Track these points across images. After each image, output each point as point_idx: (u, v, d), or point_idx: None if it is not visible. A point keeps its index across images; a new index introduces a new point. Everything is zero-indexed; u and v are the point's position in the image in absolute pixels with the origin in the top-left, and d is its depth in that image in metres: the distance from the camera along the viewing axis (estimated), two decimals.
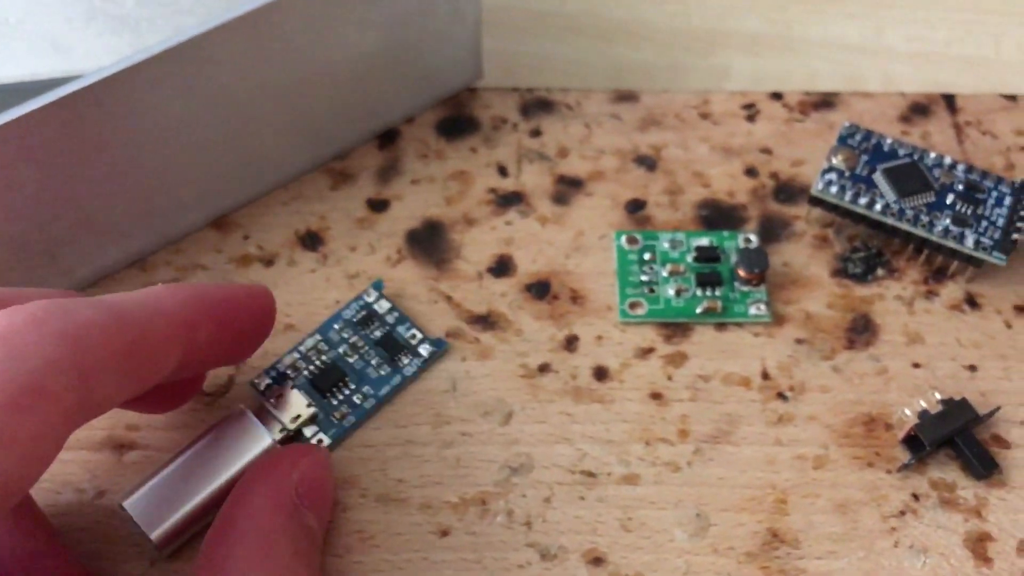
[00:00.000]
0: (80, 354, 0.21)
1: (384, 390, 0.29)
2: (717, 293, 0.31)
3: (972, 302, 0.31)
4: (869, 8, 0.40)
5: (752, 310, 0.30)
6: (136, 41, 0.29)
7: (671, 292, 0.31)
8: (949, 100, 0.35)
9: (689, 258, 0.32)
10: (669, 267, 0.31)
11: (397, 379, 0.29)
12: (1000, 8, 0.40)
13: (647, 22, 0.40)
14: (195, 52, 0.28)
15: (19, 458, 0.19)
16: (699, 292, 0.31)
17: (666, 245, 0.32)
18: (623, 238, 0.32)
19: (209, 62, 0.28)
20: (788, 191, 0.33)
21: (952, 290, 0.31)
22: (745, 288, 0.31)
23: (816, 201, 0.31)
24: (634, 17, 0.40)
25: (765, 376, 0.30)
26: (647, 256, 0.32)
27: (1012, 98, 0.35)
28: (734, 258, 0.31)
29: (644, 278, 0.31)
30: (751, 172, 0.34)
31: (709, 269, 0.31)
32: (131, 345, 0.22)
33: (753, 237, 0.32)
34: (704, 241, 0.32)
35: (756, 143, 0.35)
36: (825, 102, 0.35)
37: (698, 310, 0.30)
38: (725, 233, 0.32)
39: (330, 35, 0.30)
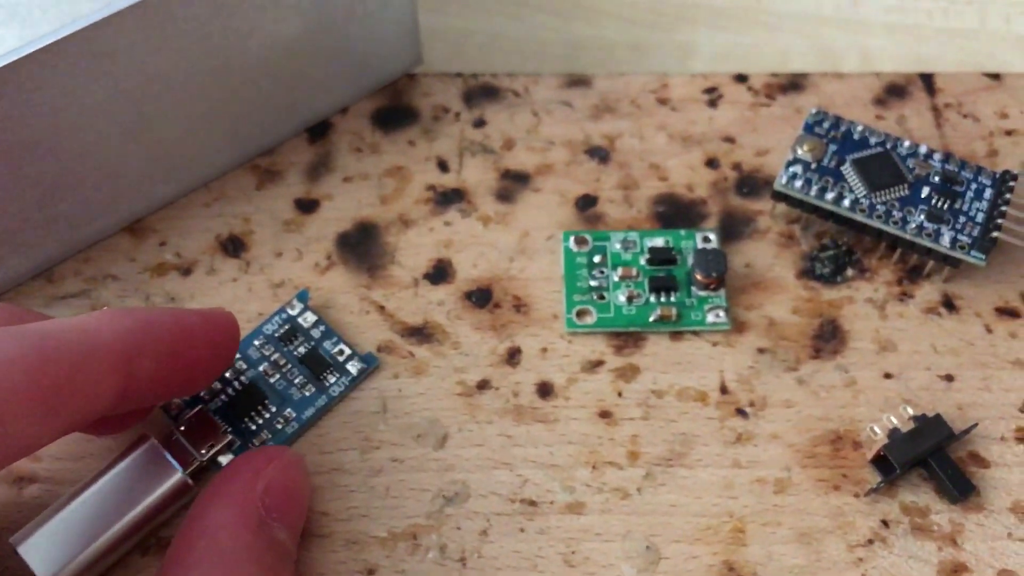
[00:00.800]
0: None
1: (308, 413, 0.27)
2: (672, 299, 0.28)
3: (949, 304, 0.29)
4: None
5: (710, 317, 0.28)
6: (26, 32, 0.27)
7: (622, 298, 0.28)
8: (927, 80, 0.33)
9: (642, 260, 0.29)
10: (620, 271, 0.29)
11: (322, 400, 0.27)
12: None
13: None
14: (92, 42, 0.25)
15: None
16: (652, 298, 0.28)
17: (617, 246, 0.29)
18: (571, 239, 0.29)
19: (108, 52, 0.26)
20: (751, 184, 0.31)
21: (928, 291, 0.29)
22: (703, 293, 0.28)
23: (780, 196, 0.29)
24: None
25: (724, 390, 0.27)
26: (597, 259, 0.29)
27: (996, 76, 0.33)
28: (691, 260, 0.29)
29: (593, 283, 0.29)
30: (712, 163, 0.31)
31: (664, 273, 0.29)
32: (57, 383, 0.20)
33: (712, 236, 0.29)
34: (659, 241, 0.29)
35: (718, 131, 0.32)
36: (793, 84, 0.33)
37: (651, 318, 0.28)
38: (682, 232, 0.30)
39: (242, 21, 0.27)
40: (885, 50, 0.35)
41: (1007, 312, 0.28)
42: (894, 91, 0.32)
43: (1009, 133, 0.31)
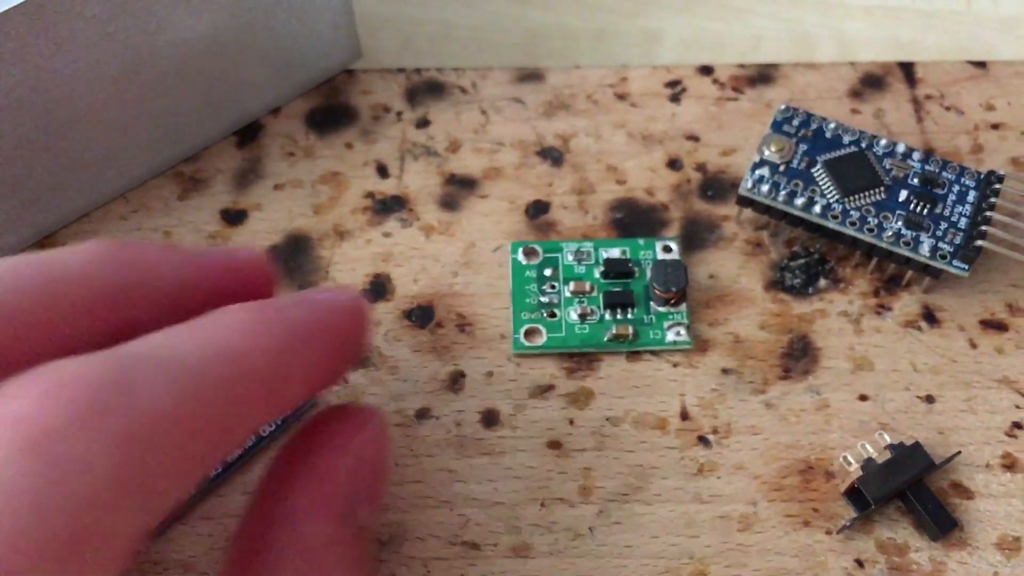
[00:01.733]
0: (144, 459, 0.14)
1: (233, 455, 0.24)
2: (629, 316, 0.26)
3: (931, 317, 0.26)
4: None
5: (670, 336, 0.26)
6: None
7: (574, 316, 0.26)
8: (907, 69, 0.30)
9: (597, 273, 0.27)
10: (572, 285, 0.26)
11: (250, 441, 0.25)
12: None
13: None
14: None
15: None
16: (607, 315, 0.26)
17: (570, 258, 0.27)
18: (520, 251, 0.27)
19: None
20: (717, 186, 0.28)
21: (907, 303, 0.26)
22: (662, 309, 0.26)
23: (745, 201, 0.26)
24: None
25: (684, 416, 0.25)
26: (548, 272, 0.27)
27: (981, 65, 0.30)
28: (649, 273, 0.27)
29: (544, 299, 0.26)
30: (674, 164, 0.29)
31: (620, 287, 0.26)
32: (206, 425, 0.16)
33: (673, 246, 0.27)
34: (615, 252, 0.27)
35: (681, 128, 0.29)
36: (763, 76, 0.30)
37: (605, 337, 0.26)
38: (641, 241, 0.27)
39: (148, 18, 0.25)
40: (863, 34, 0.33)
41: (993, 325, 0.26)
42: (871, 82, 0.30)
43: (996, 127, 0.29)
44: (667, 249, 0.27)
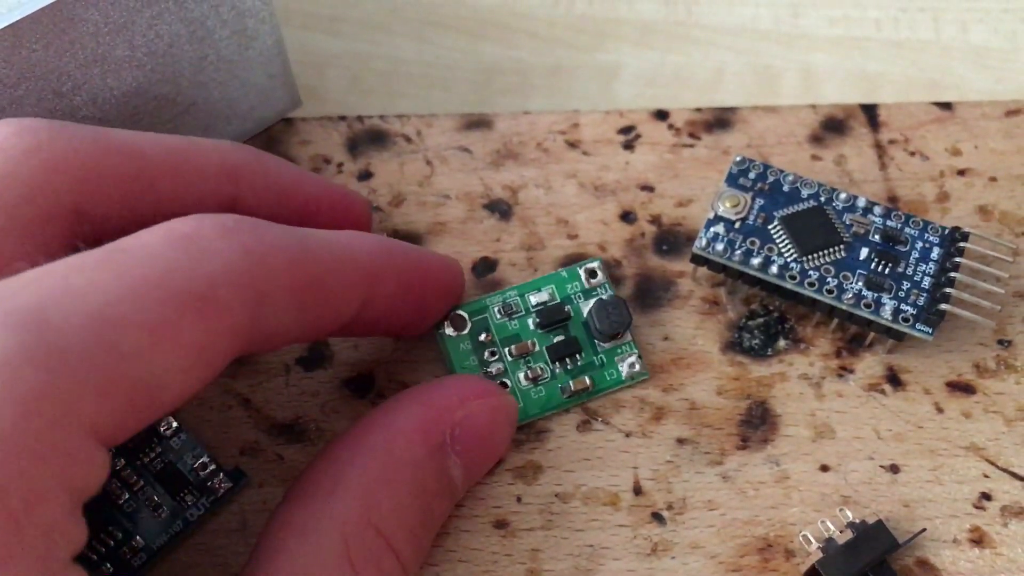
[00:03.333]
0: (261, 274, 0.19)
1: (160, 541, 0.23)
2: (579, 363, 0.25)
3: (895, 379, 0.25)
4: None
5: (625, 370, 0.25)
6: None
7: (526, 381, 0.25)
8: (870, 112, 0.29)
9: (531, 324, 0.25)
10: (514, 348, 0.25)
11: (178, 526, 0.23)
12: None
13: (523, 12, 0.33)
14: None
15: (178, 362, 0.17)
16: (558, 369, 0.25)
17: (498, 314, 0.25)
18: (446, 326, 0.25)
19: None
20: (672, 240, 0.27)
21: (870, 364, 0.25)
22: (607, 344, 0.25)
23: (700, 260, 0.25)
24: (507, 5, 0.33)
25: (638, 491, 0.24)
26: (483, 337, 0.25)
27: (947, 106, 0.29)
28: (585, 308, 0.25)
29: (491, 370, 0.25)
30: (627, 216, 0.28)
31: (561, 335, 0.25)
32: (313, 281, 0.20)
33: (598, 270, 0.26)
34: (543, 296, 0.25)
35: (635, 178, 0.28)
36: (720, 121, 0.29)
37: (565, 395, 0.24)
38: (564, 273, 0.26)
39: (60, 80, 0.23)
40: (828, 67, 0.32)
41: (960, 387, 0.25)
42: (833, 126, 0.29)
43: (962, 172, 0.28)
44: (591, 274, 0.26)
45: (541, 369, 0.25)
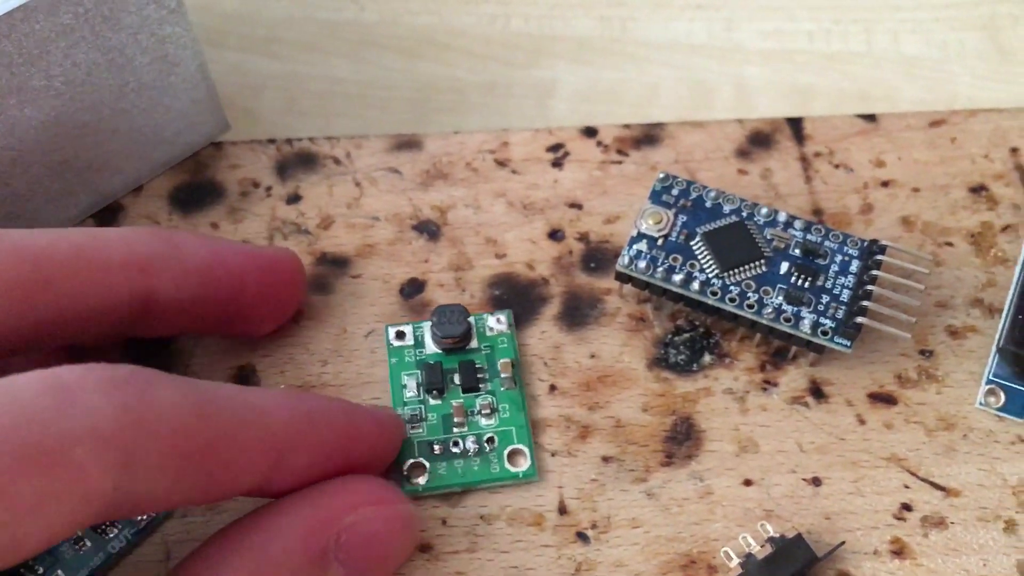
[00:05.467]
0: (136, 437, 0.17)
1: (82, 574, 0.23)
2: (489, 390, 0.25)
3: (818, 392, 0.25)
4: None
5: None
6: None
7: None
8: (795, 125, 0.29)
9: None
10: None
11: (99, 559, 0.23)
12: None
13: (459, 30, 0.33)
14: None
15: (12, 521, 0.16)
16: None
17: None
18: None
19: None
20: (599, 258, 0.27)
21: (794, 377, 0.25)
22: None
23: (623, 277, 0.25)
24: (443, 23, 0.34)
25: (563, 510, 0.24)
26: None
27: (871, 118, 0.29)
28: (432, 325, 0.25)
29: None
30: (556, 235, 0.28)
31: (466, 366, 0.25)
32: (203, 449, 0.19)
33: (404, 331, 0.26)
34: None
35: (563, 195, 0.28)
36: (648, 137, 0.29)
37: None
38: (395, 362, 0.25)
39: None
40: (761, 79, 0.32)
41: (882, 398, 0.25)
42: (759, 140, 0.29)
43: (886, 184, 0.28)
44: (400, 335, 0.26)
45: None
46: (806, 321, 0.24)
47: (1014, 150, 0.28)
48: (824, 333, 0.24)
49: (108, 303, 0.21)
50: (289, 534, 0.20)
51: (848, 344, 0.24)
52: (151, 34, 0.25)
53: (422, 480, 0.24)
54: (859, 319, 0.24)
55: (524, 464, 0.24)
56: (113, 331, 0.22)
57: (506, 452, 0.24)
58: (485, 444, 0.24)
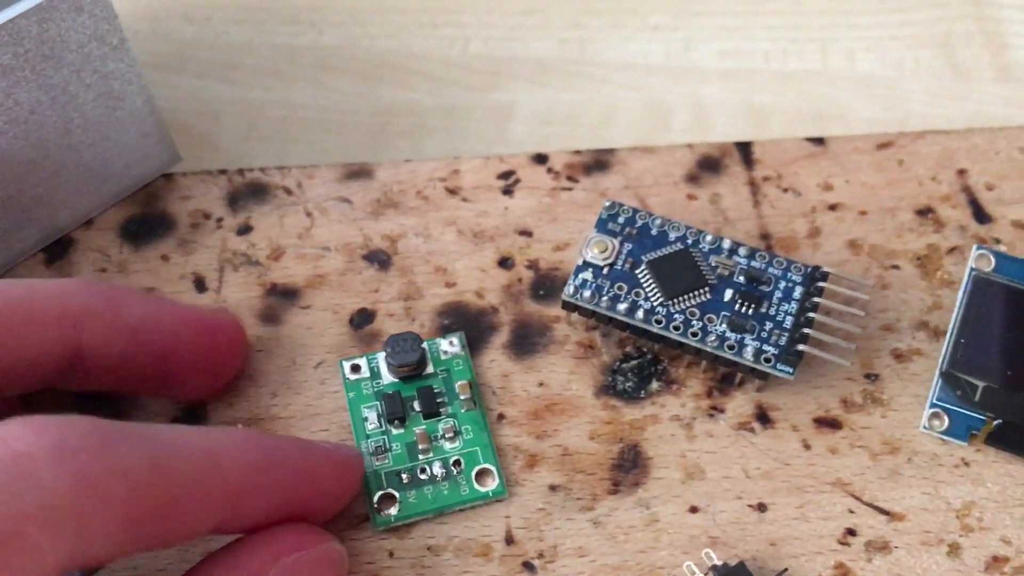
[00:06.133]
0: (91, 505, 0.17)
1: None
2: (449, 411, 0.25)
3: (764, 417, 0.25)
4: (676, 18, 0.34)
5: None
6: None
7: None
8: (744, 150, 0.29)
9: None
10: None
11: None
12: (828, 7, 0.34)
13: (418, 53, 0.33)
14: None
15: None
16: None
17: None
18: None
19: None
20: (548, 285, 0.27)
21: (740, 403, 0.26)
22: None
23: (570, 306, 0.26)
24: (402, 47, 0.34)
25: (509, 540, 0.24)
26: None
27: (819, 141, 0.30)
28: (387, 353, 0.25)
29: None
30: (505, 262, 0.28)
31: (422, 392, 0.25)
32: (158, 505, 0.18)
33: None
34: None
35: (513, 223, 0.28)
36: (598, 163, 0.29)
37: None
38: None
39: None
40: (719, 99, 0.32)
41: (827, 423, 0.25)
42: (708, 164, 0.29)
43: (833, 207, 0.28)
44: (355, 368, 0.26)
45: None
46: (749, 349, 0.24)
47: (961, 171, 0.29)
48: (767, 360, 0.24)
49: (38, 356, 0.21)
50: None
51: (791, 371, 0.24)
52: (94, 71, 0.25)
53: (393, 511, 0.24)
54: (800, 347, 0.24)
55: (492, 483, 0.24)
56: (41, 383, 0.22)
57: (473, 473, 0.24)
58: (452, 467, 0.24)
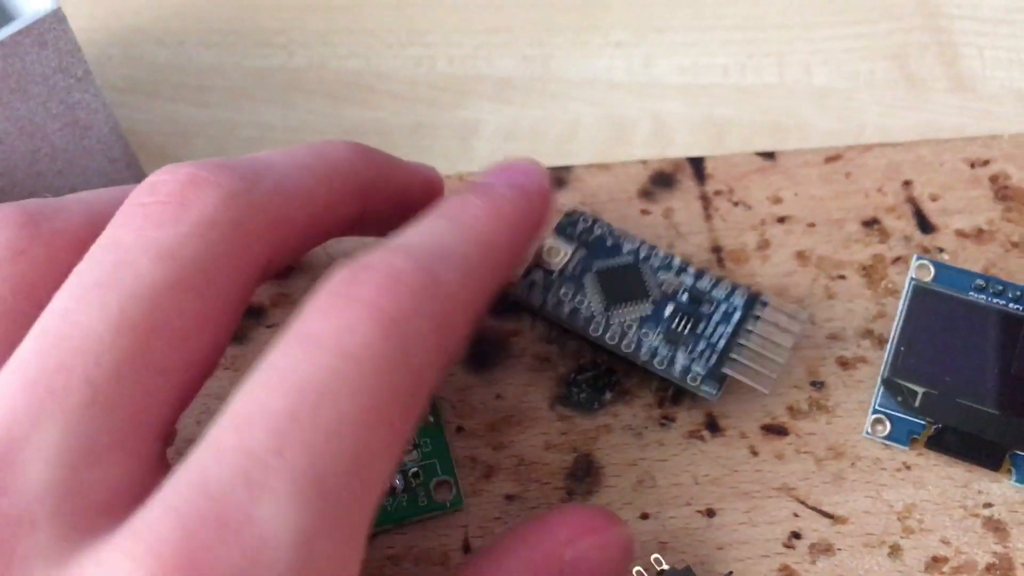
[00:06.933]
0: (448, 335, 0.20)
1: None
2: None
3: (714, 426, 0.26)
4: (638, 34, 0.35)
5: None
6: None
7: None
8: (697, 165, 0.30)
9: None
10: None
11: None
12: (785, 22, 0.35)
13: (385, 73, 0.34)
14: None
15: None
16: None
17: None
18: None
19: None
20: (505, 299, 0.28)
21: (692, 412, 0.26)
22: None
23: (516, 304, 0.26)
24: (370, 67, 0.35)
25: (467, 549, 0.25)
26: None
27: (769, 155, 0.30)
28: None
29: None
30: None
31: None
32: (475, 300, 0.21)
33: None
34: None
35: None
36: (556, 180, 0.30)
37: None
38: None
39: None
40: (678, 114, 0.33)
41: (774, 430, 0.26)
42: (661, 180, 0.30)
43: (782, 220, 0.29)
44: None
45: None
46: (678, 365, 0.25)
47: (907, 183, 0.30)
48: (693, 380, 0.25)
49: (330, 232, 0.24)
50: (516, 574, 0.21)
51: (714, 392, 0.25)
52: (60, 102, 0.26)
53: None
54: (724, 369, 0.25)
55: (450, 495, 0.25)
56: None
57: (432, 484, 0.25)
58: (411, 480, 0.25)
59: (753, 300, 0.26)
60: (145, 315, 0.18)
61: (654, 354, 0.25)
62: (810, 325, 0.27)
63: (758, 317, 0.26)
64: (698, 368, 0.25)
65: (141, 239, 0.19)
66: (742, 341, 0.25)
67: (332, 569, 0.17)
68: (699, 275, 0.26)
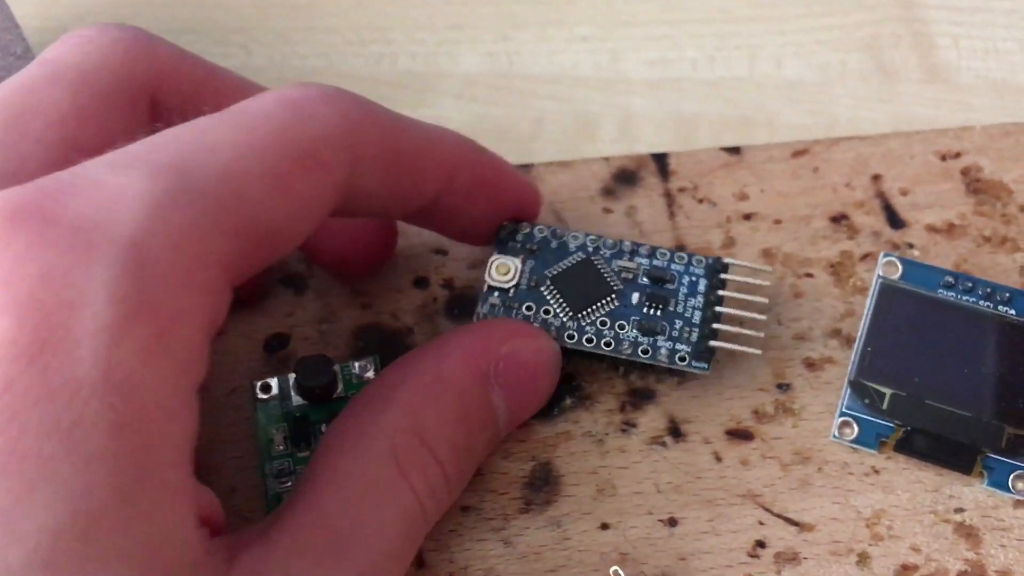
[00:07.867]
0: (357, 139, 0.21)
1: None
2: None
3: (676, 431, 0.25)
4: (604, 28, 0.34)
5: None
6: None
7: None
8: (660, 161, 0.29)
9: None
10: None
11: None
12: (756, 14, 0.34)
13: (347, 71, 0.34)
14: None
15: (291, 211, 0.20)
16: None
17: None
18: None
19: None
20: (464, 304, 0.27)
21: (653, 417, 0.26)
22: None
23: None
24: (331, 66, 0.34)
25: (420, 563, 0.24)
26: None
27: (735, 151, 0.30)
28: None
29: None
30: (420, 282, 0.28)
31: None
32: (400, 153, 0.22)
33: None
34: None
35: (428, 241, 0.28)
36: None
37: None
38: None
39: None
40: (646, 109, 0.32)
41: (738, 434, 0.25)
42: (624, 177, 0.29)
43: (748, 217, 0.28)
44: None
45: None
46: (663, 350, 0.24)
47: (876, 177, 0.29)
48: (682, 359, 0.24)
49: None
50: (456, 357, 0.23)
51: (706, 367, 0.24)
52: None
53: None
54: (711, 342, 0.24)
55: None
56: None
57: None
58: None
59: (713, 266, 0.25)
60: None
61: (636, 346, 0.24)
62: (776, 325, 0.26)
63: (724, 281, 0.25)
64: (683, 348, 0.24)
65: None
66: (718, 309, 0.25)
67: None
68: (652, 253, 0.26)
